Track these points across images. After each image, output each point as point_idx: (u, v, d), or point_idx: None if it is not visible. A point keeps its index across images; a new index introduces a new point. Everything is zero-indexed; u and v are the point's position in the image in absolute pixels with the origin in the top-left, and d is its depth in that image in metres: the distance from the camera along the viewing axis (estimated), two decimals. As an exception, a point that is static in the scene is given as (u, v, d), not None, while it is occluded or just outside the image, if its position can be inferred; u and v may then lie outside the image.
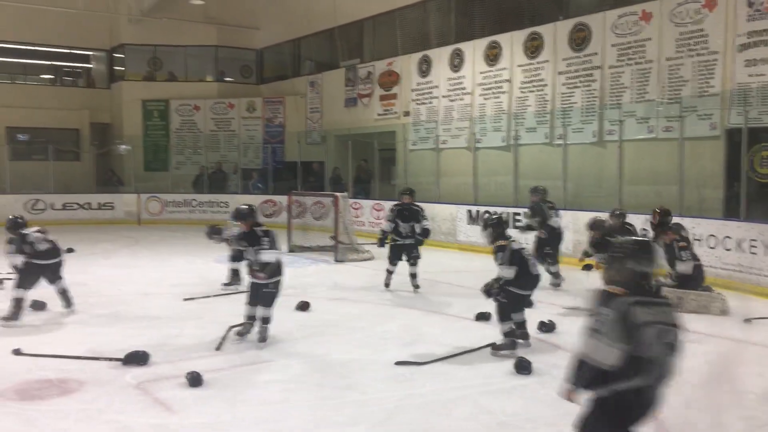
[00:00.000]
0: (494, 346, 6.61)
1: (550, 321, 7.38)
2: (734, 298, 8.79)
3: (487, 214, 7.98)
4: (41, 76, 24.09)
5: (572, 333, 7.16)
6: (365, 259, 12.82)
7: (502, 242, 6.73)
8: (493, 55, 15.48)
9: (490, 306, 7.07)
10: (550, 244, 9.91)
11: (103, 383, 5.70)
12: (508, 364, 6.07)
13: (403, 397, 5.46)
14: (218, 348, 6.76)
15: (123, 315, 8.26)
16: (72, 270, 8.83)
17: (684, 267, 8.28)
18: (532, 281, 6.74)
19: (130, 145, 21.78)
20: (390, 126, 18.27)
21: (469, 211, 14.21)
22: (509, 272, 6.56)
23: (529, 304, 6.86)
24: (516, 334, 6.66)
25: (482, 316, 7.76)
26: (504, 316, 6.66)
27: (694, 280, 8.37)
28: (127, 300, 9.15)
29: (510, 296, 6.61)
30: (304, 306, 8.56)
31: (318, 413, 5.09)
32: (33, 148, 22.03)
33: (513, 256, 6.61)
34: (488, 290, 6.69)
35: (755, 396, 5.38)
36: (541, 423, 4.87)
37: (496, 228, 6.90)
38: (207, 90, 22.83)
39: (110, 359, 6.20)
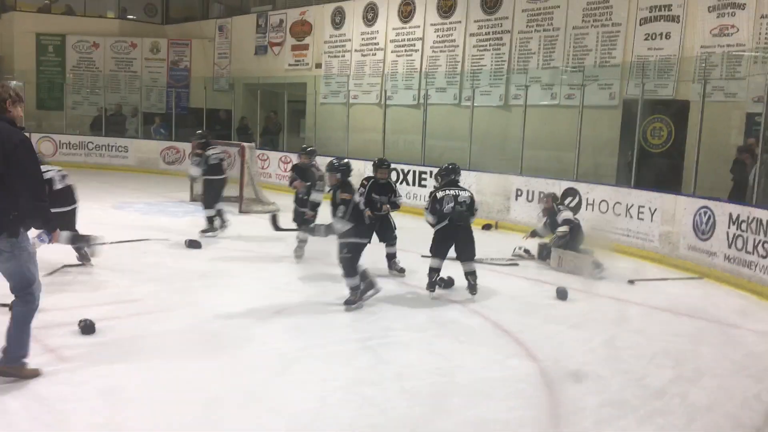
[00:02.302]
0: (346, 301, 6.54)
1: (449, 277, 7.55)
2: (621, 260, 9.33)
3: (335, 159, 6.90)
4: None
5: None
6: (270, 212, 12.65)
7: (346, 195, 6.46)
8: (407, 12, 15.45)
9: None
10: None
11: (-12, 330, 5.45)
12: (408, 318, 6.22)
13: (304, 347, 5.52)
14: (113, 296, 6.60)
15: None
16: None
17: (566, 214, 9.06)
18: (369, 229, 6.78)
19: (22, 81, 20.38)
20: (301, 77, 17.97)
21: (377, 168, 14.26)
22: (346, 227, 6.43)
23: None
24: (361, 287, 6.57)
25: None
26: (350, 271, 6.53)
27: (572, 240, 8.84)
28: (16, 244, 8.69)
29: (353, 248, 6.52)
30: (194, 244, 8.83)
31: (215, 363, 5.06)
32: None
33: (354, 211, 6.46)
34: (312, 230, 6.87)
35: (633, 351, 5.78)
36: (434, 373, 5.06)
37: (345, 175, 6.62)
38: (108, 27, 21.60)
39: (-4, 305, 5.91)
